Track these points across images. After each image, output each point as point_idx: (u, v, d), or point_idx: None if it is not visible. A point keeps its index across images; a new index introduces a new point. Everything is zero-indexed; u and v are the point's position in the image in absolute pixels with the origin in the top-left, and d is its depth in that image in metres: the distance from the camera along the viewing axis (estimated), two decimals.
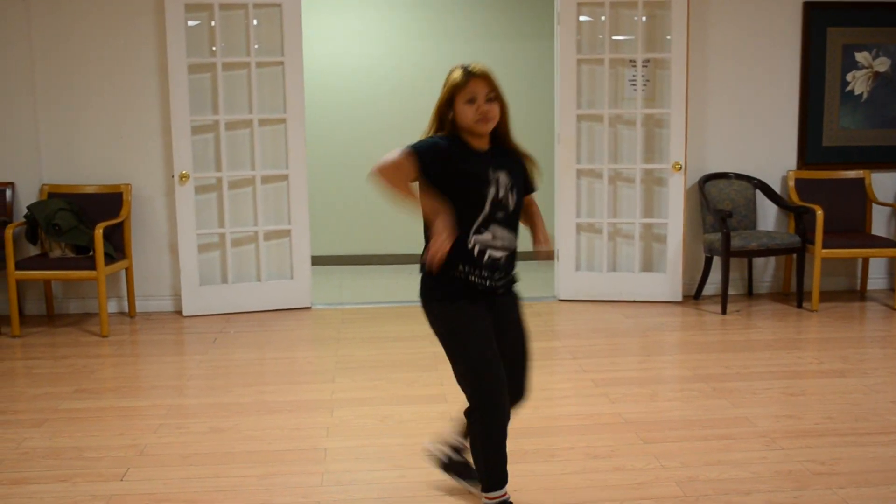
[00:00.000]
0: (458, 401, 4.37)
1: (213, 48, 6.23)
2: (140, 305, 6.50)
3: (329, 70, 8.38)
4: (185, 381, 4.86)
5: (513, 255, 2.98)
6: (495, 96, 2.90)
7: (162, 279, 6.51)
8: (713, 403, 4.32)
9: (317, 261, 8.31)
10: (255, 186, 6.39)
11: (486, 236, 2.89)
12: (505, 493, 2.96)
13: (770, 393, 4.49)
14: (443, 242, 2.76)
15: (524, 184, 3.03)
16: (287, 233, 6.49)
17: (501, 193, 2.90)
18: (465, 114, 2.89)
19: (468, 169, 2.89)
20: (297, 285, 6.53)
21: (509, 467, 3.00)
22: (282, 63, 6.29)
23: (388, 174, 2.84)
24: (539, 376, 4.80)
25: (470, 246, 2.87)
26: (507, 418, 2.94)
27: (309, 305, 6.57)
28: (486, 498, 2.96)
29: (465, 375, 2.92)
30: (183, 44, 6.09)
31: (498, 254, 2.91)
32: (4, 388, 4.76)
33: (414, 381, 4.75)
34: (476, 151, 2.93)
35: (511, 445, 3.09)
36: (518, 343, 3.06)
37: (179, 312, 6.42)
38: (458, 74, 2.91)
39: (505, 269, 2.96)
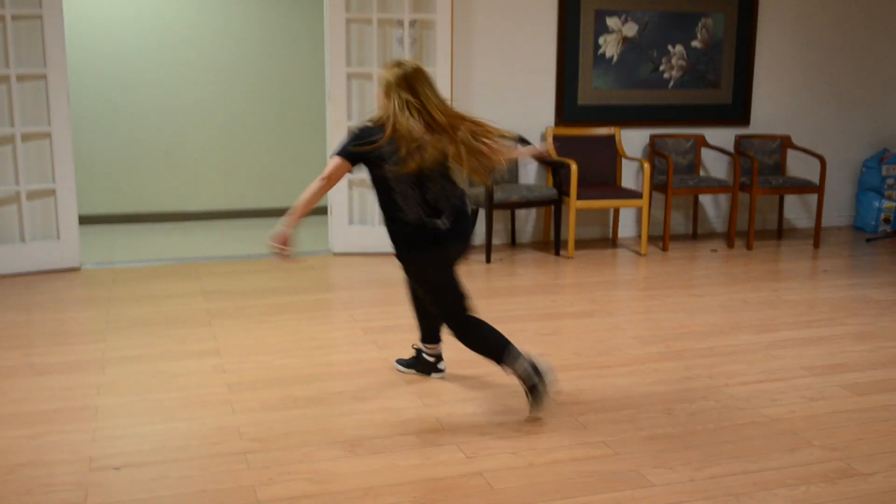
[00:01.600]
0: (230, 354, 4.51)
1: None
2: None
3: (93, 21, 8.12)
4: None
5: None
6: None
7: None
8: None
9: (87, 220, 8.12)
10: (15, 144, 6.17)
11: None
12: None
13: (525, 334, 4.89)
14: None
15: None
16: (52, 192, 6.32)
17: None
18: None
19: None
20: (64, 245, 6.38)
21: (291, 411, 3.20)
22: (40, 16, 6.08)
23: None
24: (312, 327, 4.99)
25: None
26: None
27: (78, 266, 6.45)
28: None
29: None
30: None
31: None
32: None
33: (187, 337, 4.83)
34: None
35: (282, 392, 3.73)
36: None
37: None
38: None
39: None
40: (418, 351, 4.26)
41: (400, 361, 4.33)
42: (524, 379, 3.64)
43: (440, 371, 4.22)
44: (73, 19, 7.98)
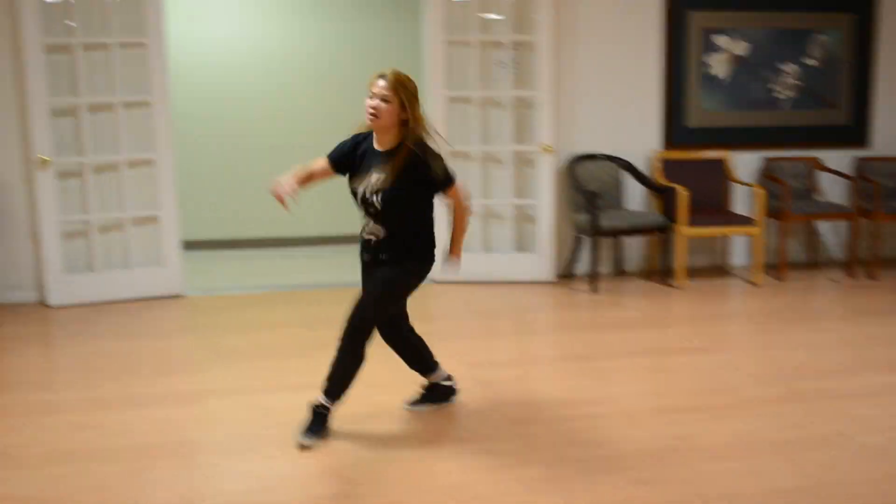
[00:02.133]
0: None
1: (70, 25, 6.01)
2: (1, 297, 6.27)
3: (196, 51, 8.21)
4: (51, 375, 4.74)
5: (385, 240, 3.68)
6: (390, 98, 3.48)
7: (24, 269, 6.28)
8: (580, 383, 4.46)
9: (191, 245, 8.18)
10: (121, 171, 6.23)
11: (364, 223, 3.72)
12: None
13: (635, 371, 4.66)
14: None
15: (416, 187, 3.63)
16: (156, 219, 6.36)
17: (368, 193, 3.63)
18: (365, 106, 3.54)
19: (357, 166, 3.72)
20: (168, 272, 6.40)
21: (390, 452, 3.07)
22: (145, 44, 6.14)
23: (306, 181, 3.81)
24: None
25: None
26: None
27: (181, 293, 6.46)
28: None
29: None
30: (37, 22, 5.86)
31: (368, 237, 3.74)
32: None
33: (283, 368, 4.74)
34: (375, 150, 3.64)
35: (381, 430, 3.71)
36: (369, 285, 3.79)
37: (44, 303, 6.22)
38: (372, 76, 3.57)
39: (374, 249, 3.73)
40: (432, 386, 4.09)
41: (413, 403, 4.09)
42: (316, 415, 3.69)
43: (456, 392, 4.13)
44: (175, 47, 8.07)
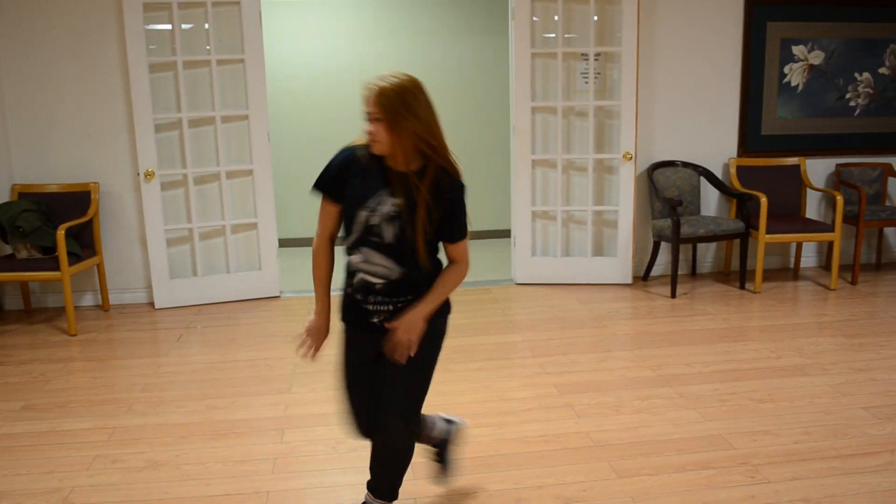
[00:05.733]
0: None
1: (174, 46, 5.05)
2: (115, 298, 5.38)
3: (291, 66, 7.19)
4: (137, 392, 3.76)
5: (397, 286, 2.16)
6: (381, 118, 2.03)
7: (135, 273, 5.39)
8: (682, 416, 3.31)
9: (286, 243, 7.25)
10: (221, 182, 5.25)
11: (357, 257, 2.17)
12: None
13: (738, 399, 3.49)
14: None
15: (435, 223, 2.12)
16: (254, 226, 5.37)
17: (375, 221, 2.11)
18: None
19: (354, 185, 2.14)
20: (266, 275, 5.43)
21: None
22: (242, 60, 5.13)
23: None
24: (500, 381, 3.76)
25: (346, 261, 2.22)
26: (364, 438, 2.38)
27: (278, 294, 5.49)
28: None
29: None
30: (142, 43, 4.90)
31: (371, 279, 2.17)
32: None
33: None
34: (386, 168, 2.13)
35: (473, 480, 2.59)
36: (391, 379, 2.23)
37: (153, 304, 5.32)
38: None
39: (383, 295, 2.18)
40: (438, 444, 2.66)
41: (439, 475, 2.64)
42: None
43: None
44: (272, 63, 7.08)
